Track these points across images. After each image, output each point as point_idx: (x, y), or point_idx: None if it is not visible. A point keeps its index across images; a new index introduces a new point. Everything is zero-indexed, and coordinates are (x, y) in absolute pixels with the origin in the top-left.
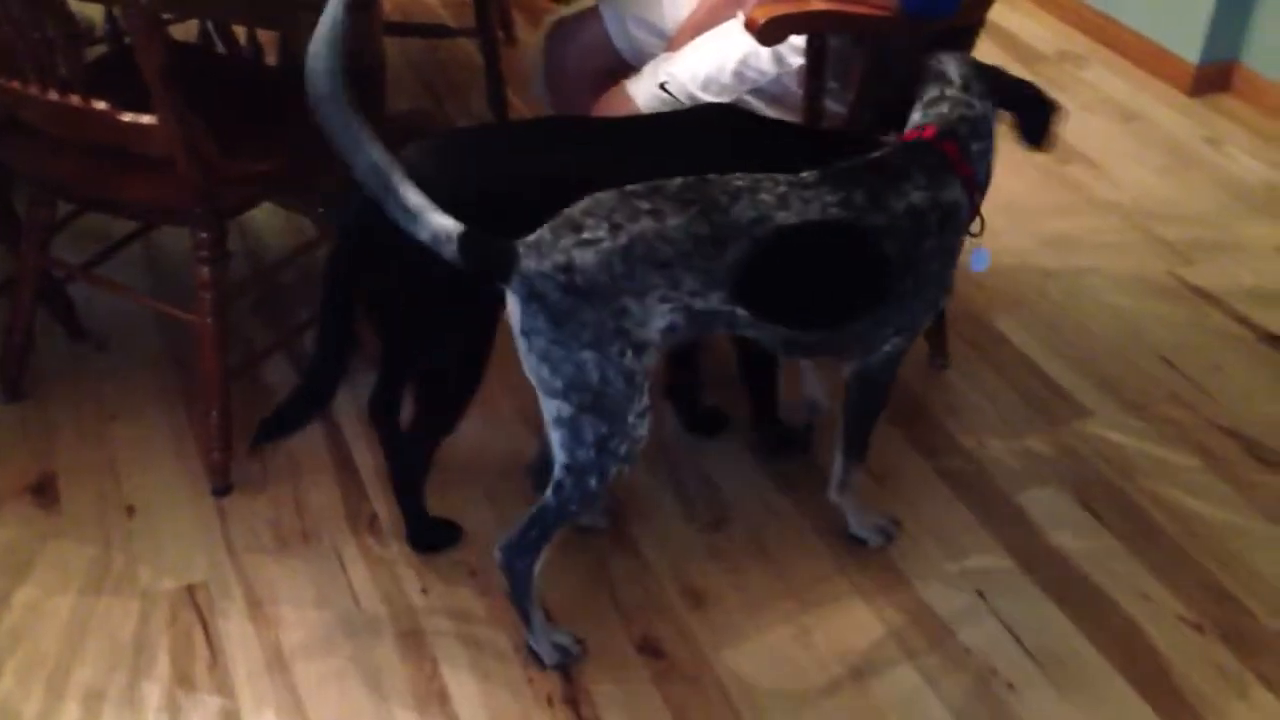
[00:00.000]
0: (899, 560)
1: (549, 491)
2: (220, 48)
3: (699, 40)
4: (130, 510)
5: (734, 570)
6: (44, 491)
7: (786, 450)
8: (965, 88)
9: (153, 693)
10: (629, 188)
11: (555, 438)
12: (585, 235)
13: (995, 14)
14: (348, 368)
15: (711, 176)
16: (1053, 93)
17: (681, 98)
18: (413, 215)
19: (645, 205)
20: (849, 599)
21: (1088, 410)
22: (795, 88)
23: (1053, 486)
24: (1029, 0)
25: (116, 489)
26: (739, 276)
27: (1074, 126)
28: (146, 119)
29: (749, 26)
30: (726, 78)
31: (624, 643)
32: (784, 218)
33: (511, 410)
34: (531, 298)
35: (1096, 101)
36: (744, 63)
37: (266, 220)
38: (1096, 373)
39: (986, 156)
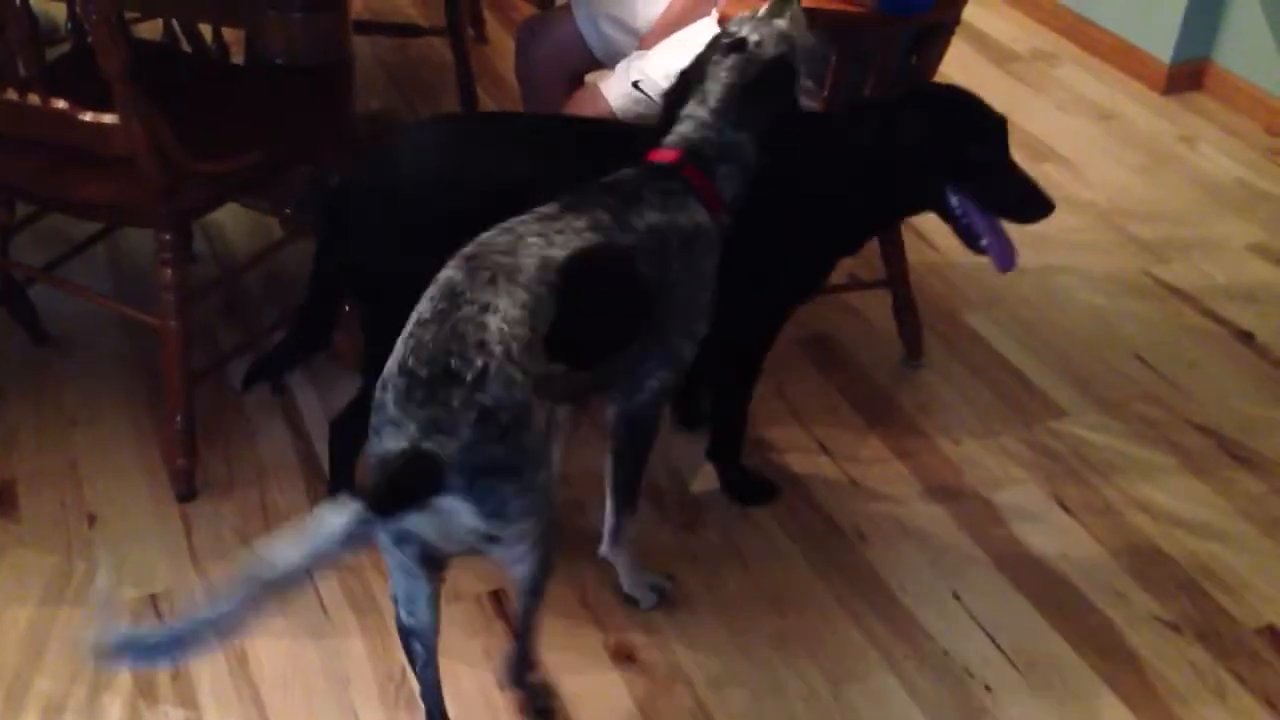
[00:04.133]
0: (875, 563)
1: (533, 596)
2: (186, 46)
3: (672, 38)
4: (91, 518)
5: (707, 573)
6: (3, 499)
7: (756, 493)
8: (719, 111)
9: (114, 704)
10: (426, 308)
11: (530, 563)
12: (470, 374)
13: (968, 13)
14: (335, 324)
15: (475, 248)
16: (1027, 92)
17: (655, 96)
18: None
19: (470, 308)
20: (824, 601)
21: (1063, 409)
22: None
23: (1028, 485)
24: (1005, 1)
25: (78, 496)
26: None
27: (1048, 125)
28: (107, 118)
29: (722, 23)
30: None
31: (597, 648)
32: (555, 253)
33: None
34: (479, 475)
35: (1070, 100)
36: None
37: (233, 222)
38: (1071, 371)
39: (736, 178)
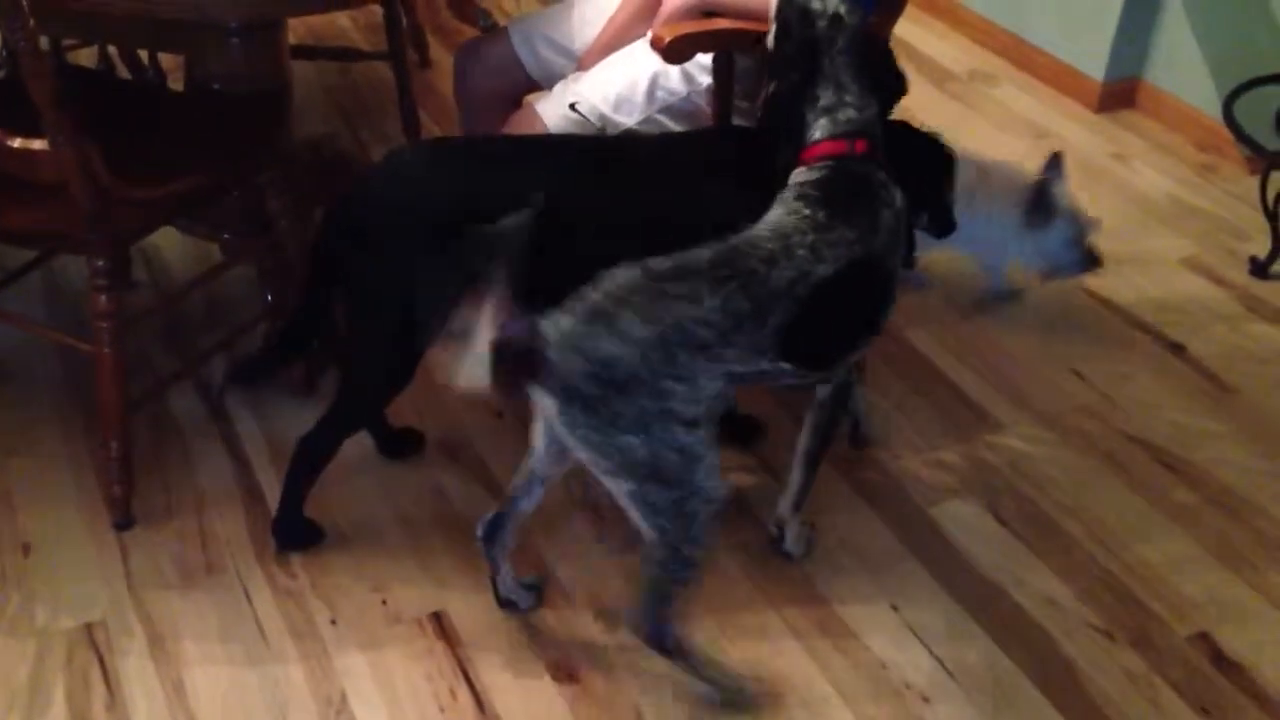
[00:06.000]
0: (814, 576)
1: (655, 565)
2: (123, 72)
3: (608, 60)
4: (26, 548)
5: None
6: None
7: None
8: (861, 90)
9: None
10: (655, 266)
11: (630, 513)
12: (619, 326)
13: (908, 34)
14: (325, 328)
15: (739, 242)
16: (965, 111)
17: (592, 118)
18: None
19: (679, 289)
20: (765, 617)
21: (1000, 422)
22: (705, 106)
23: (965, 498)
24: (940, 20)
25: (12, 525)
26: (783, 337)
27: (986, 144)
28: (36, 144)
29: (655, 44)
30: (638, 97)
31: (539, 669)
32: (822, 270)
33: (428, 435)
34: (566, 394)
35: (1007, 119)
36: (654, 82)
37: (172, 247)
38: (1008, 385)
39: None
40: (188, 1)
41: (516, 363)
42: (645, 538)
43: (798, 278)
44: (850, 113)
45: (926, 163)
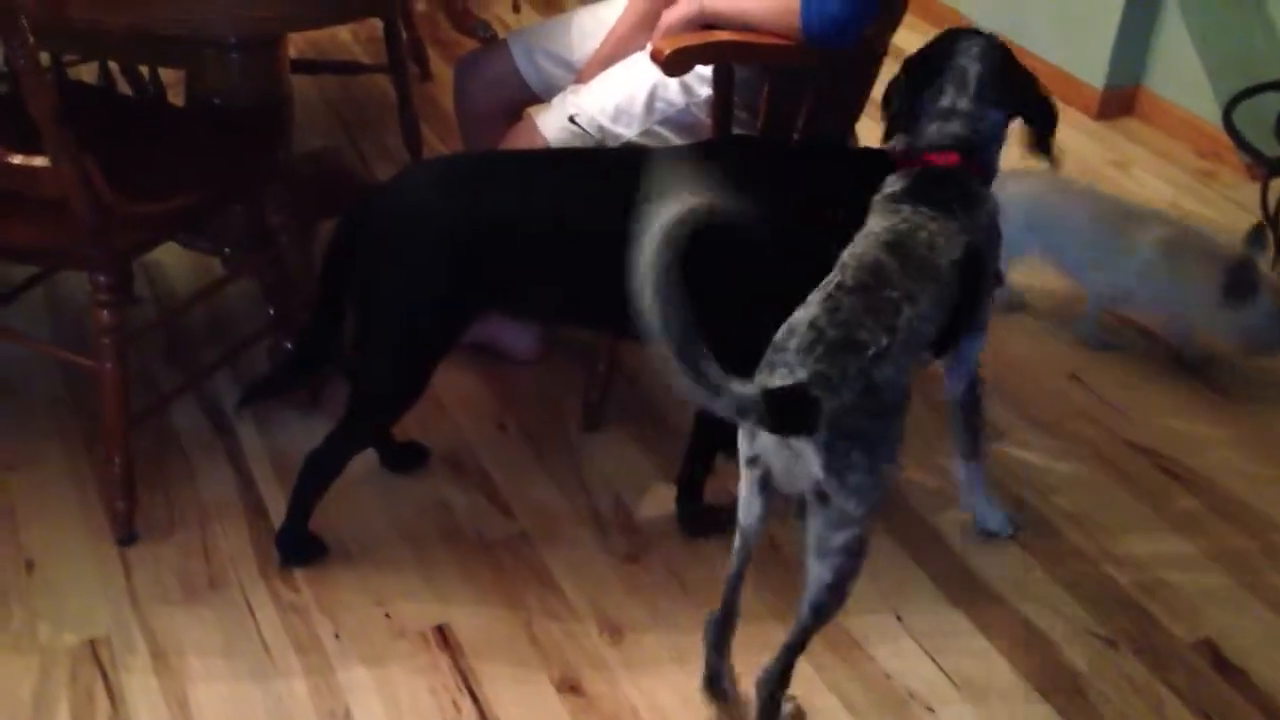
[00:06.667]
0: None
1: (816, 613)
2: (124, 88)
3: (607, 72)
4: (29, 565)
5: (653, 603)
6: None
7: (709, 526)
8: (978, 97)
9: None
10: (850, 276)
11: (832, 564)
12: (872, 350)
13: (905, 41)
14: (337, 343)
15: (893, 238)
16: None
17: (591, 130)
18: (714, 389)
19: (894, 293)
20: (767, 628)
21: (1001, 430)
22: (704, 118)
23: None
24: (937, 28)
25: (15, 542)
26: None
27: None
28: (37, 160)
29: (654, 57)
30: (636, 109)
31: (543, 681)
32: (955, 255)
33: (432, 448)
34: (840, 437)
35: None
36: (653, 94)
37: (174, 262)
38: (1008, 393)
39: (997, 155)
40: (187, 17)
41: (787, 421)
42: (818, 588)
43: (950, 265)
44: (956, 124)
45: None
